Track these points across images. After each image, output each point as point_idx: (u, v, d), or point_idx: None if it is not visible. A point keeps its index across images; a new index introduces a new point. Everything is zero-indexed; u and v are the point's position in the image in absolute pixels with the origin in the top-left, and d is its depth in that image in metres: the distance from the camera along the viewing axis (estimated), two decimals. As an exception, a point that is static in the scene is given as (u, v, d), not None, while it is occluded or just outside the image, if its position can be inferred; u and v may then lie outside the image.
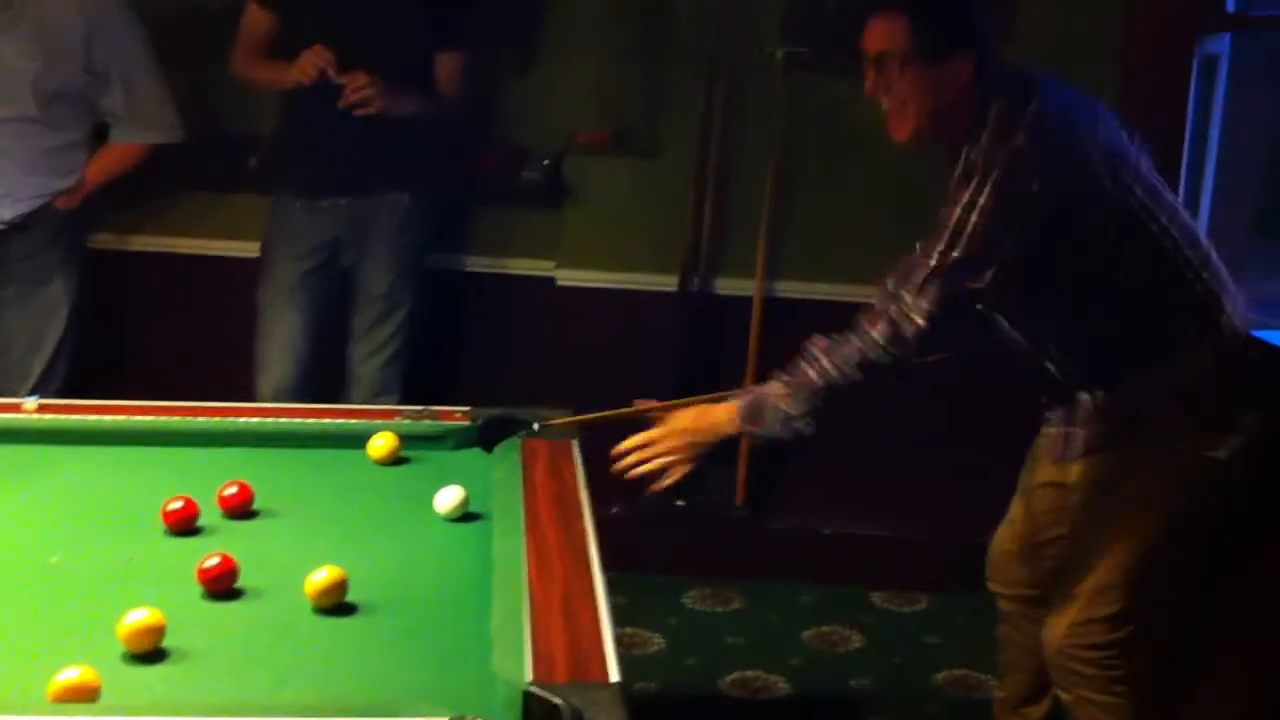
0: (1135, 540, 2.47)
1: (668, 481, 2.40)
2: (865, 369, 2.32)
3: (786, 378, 2.38)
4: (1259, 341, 2.51)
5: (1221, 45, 3.56)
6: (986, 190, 2.30)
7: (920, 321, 2.31)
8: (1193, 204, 3.55)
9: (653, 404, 2.48)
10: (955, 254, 2.31)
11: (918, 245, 2.38)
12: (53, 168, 3.52)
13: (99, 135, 3.62)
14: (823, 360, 2.35)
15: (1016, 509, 2.77)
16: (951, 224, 2.32)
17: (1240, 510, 2.58)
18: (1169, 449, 2.45)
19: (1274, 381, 2.48)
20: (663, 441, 2.39)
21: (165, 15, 3.69)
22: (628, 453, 2.43)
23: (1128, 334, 2.47)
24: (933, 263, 2.32)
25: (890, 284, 2.37)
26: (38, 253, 3.52)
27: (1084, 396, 2.51)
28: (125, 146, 3.59)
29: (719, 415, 2.41)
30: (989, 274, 2.33)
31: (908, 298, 2.32)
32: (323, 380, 3.62)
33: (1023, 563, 2.74)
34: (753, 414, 2.38)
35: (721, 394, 2.47)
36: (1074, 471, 2.56)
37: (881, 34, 2.41)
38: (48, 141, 3.49)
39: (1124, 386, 2.46)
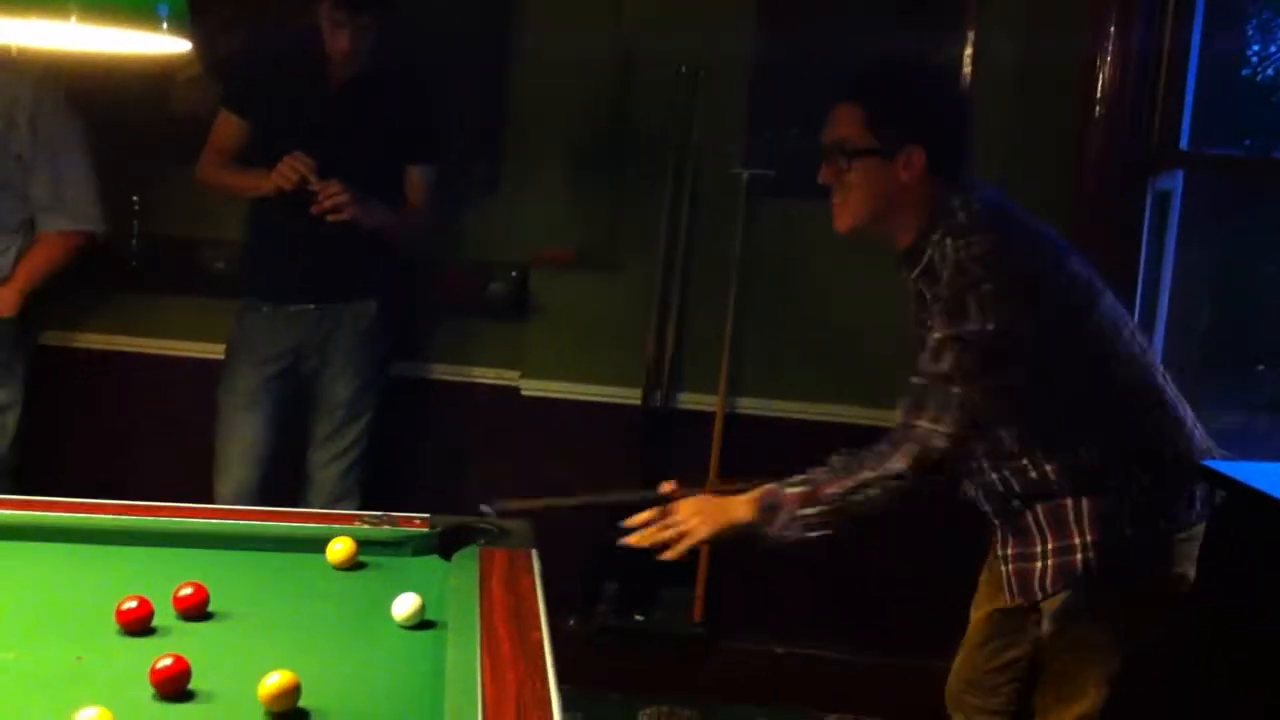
0: (1114, 667, 2.47)
1: (673, 554, 2.36)
2: (887, 493, 2.32)
3: (805, 486, 2.37)
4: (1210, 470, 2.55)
5: (1175, 182, 3.65)
6: (990, 303, 2.29)
7: (943, 444, 2.31)
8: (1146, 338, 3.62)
9: (672, 486, 2.47)
10: (968, 365, 2.31)
11: (913, 379, 2.39)
12: None
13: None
14: (843, 475, 2.35)
15: (969, 636, 2.77)
16: (961, 342, 2.31)
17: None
18: (1141, 575, 2.47)
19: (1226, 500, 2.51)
20: (679, 516, 2.38)
21: (127, 116, 3.73)
22: (638, 527, 2.43)
23: (1091, 458, 2.46)
24: (946, 380, 2.32)
25: (901, 417, 2.37)
26: None
27: (1038, 526, 2.50)
28: (49, 239, 3.54)
29: (738, 505, 2.39)
30: (1020, 374, 2.33)
31: (924, 423, 2.32)
32: (281, 483, 3.61)
33: (980, 690, 2.74)
34: (768, 510, 2.37)
35: (736, 484, 2.46)
36: (1042, 605, 2.54)
37: (838, 123, 2.45)
38: None
39: (1088, 513, 2.45)
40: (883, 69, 2.54)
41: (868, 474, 2.34)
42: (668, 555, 2.37)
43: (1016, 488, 2.51)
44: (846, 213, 2.46)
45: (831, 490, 2.35)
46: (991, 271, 2.32)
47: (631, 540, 2.32)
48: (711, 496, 2.44)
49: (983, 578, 2.74)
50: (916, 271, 2.43)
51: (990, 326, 2.30)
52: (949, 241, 2.37)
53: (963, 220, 2.38)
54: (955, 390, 2.31)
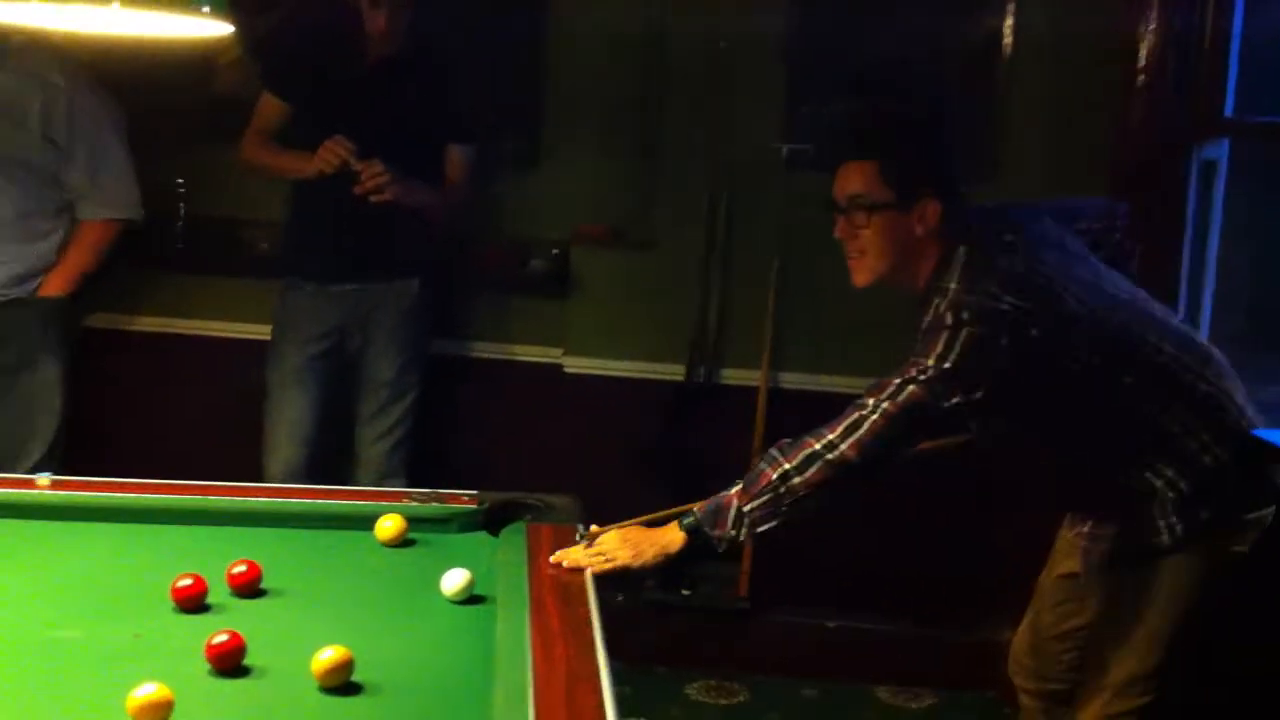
0: (1162, 635, 2.50)
1: (595, 571, 2.25)
2: (821, 466, 2.31)
3: (745, 481, 2.37)
4: (1260, 440, 2.54)
5: (1220, 151, 3.61)
6: (957, 346, 2.33)
7: (878, 419, 2.32)
8: (1193, 308, 3.59)
9: (609, 528, 2.39)
10: (929, 374, 2.33)
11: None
12: (24, 236, 3.51)
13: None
14: (780, 458, 2.35)
15: (1036, 601, 2.81)
16: (918, 366, 2.34)
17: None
18: (1192, 551, 2.48)
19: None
20: (601, 545, 2.33)
21: (170, 99, 3.76)
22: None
23: (1137, 448, 2.49)
24: (902, 377, 2.35)
25: (862, 398, 2.39)
26: (25, 344, 3.52)
27: (1099, 510, 2.55)
28: (93, 227, 3.58)
29: (669, 534, 2.37)
30: (946, 411, 2.34)
31: (870, 400, 2.35)
32: (330, 462, 3.65)
33: (1042, 656, 2.76)
34: (713, 517, 2.35)
35: (682, 509, 2.43)
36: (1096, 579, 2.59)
37: (852, 179, 2.48)
38: (13, 209, 3.48)
39: (1140, 498, 2.48)
40: (890, 124, 2.62)
41: (803, 451, 2.33)
42: (592, 571, 2.27)
43: (1062, 490, 2.61)
44: (865, 267, 2.51)
45: (770, 476, 2.33)
46: (972, 317, 2.34)
47: (554, 559, 2.29)
48: (639, 528, 2.40)
49: (1057, 543, 2.76)
50: (927, 321, 2.43)
51: (946, 366, 2.32)
52: (952, 286, 2.40)
53: (964, 268, 2.41)
54: (910, 389, 2.33)
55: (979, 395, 2.34)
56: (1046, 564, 2.78)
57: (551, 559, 2.22)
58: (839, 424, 2.34)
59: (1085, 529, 2.59)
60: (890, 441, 2.33)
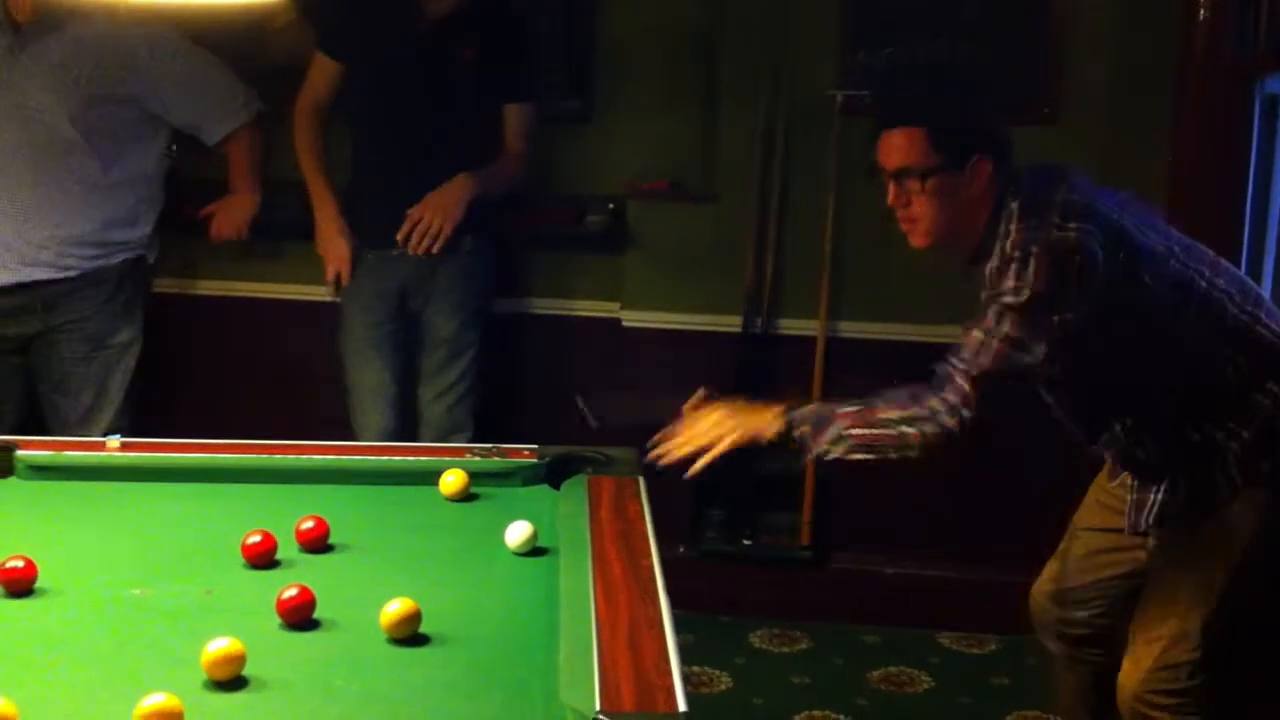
0: (1217, 587, 2.47)
1: (697, 467, 2.34)
2: (931, 428, 2.34)
3: (860, 406, 2.39)
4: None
5: (1284, 84, 3.55)
6: (1030, 274, 2.32)
7: (967, 414, 2.32)
8: (1256, 243, 3.54)
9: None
10: (1005, 331, 2.33)
11: (964, 326, 2.39)
12: (103, 204, 3.45)
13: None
14: (897, 401, 2.37)
15: (1068, 548, 2.78)
16: (998, 305, 2.34)
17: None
18: (1251, 500, 2.46)
19: None
20: (699, 427, 2.38)
21: (237, 64, 3.78)
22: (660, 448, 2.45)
23: (1193, 396, 2.47)
24: (983, 342, 2.34)
25: (954, 360, 2.38)
26: (100, 308, 3.50)
27: (1157, 468, 2.51)
28: (234, 144, 3.62)
29: (764, 416, 2.40)
30: (1041, 351, 2.34)
31: (964, 385, 2.33)
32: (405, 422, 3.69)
33: (1062, 604, 2.75)
34: (816, 424, 2.39)
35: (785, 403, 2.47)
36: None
37: (900, 148, 2.45)
38: (92, 177, 3.40)
39: (1202, 453, 2.46)
40: (927, 87, 2.56)
41: (916, 409, 2.34)
42: (697, 467, 2.33)
43: (1124, 450, 2.56)
44: (921, 231, 2.49)
45: (883, 415, 2.35)
46: (1040, 247, 2.33)
47: (662, 456, 2.30)
48: (740, 405, 2.43)
49: (1091, 495, 2.74)
50: (991, 265, 2.42)
51: (1025, 295, 2.31)
52: (1012, 227, 2.39)
53: (1020, 212, 2.40)
54: (994, 345, 2.33)
55: (1060, 330, 2.33)
56: (1078, 513, 2.75)
57: (662, 455, 2.23)
58: (939, 398, 2.34)
59: (1132, 483, 2.56)
60: (987, 414, 2.34)
